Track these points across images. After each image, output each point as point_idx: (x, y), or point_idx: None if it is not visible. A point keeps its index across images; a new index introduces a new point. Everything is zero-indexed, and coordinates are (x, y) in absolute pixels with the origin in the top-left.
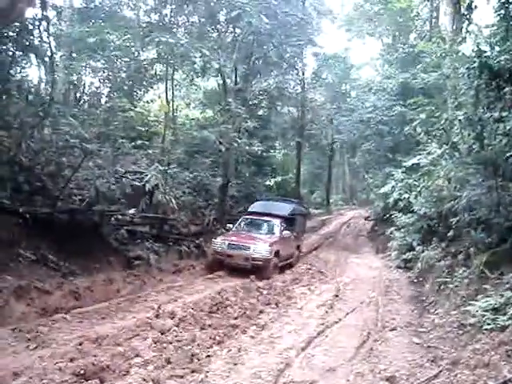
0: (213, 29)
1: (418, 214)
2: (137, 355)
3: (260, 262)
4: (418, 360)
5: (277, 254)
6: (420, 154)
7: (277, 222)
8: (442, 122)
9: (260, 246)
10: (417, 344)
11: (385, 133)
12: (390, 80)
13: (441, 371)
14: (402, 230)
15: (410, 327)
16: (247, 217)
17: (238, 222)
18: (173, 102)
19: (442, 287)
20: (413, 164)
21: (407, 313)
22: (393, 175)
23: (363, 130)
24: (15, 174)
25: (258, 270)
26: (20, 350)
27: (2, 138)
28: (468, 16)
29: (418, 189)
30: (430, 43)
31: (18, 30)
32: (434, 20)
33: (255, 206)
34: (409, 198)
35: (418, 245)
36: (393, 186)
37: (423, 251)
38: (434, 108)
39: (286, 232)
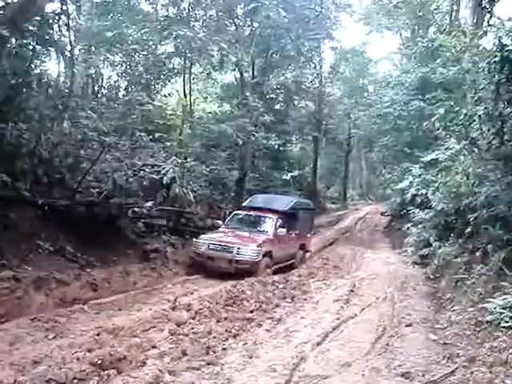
0: (230, 22)
1: (436, 209)
2: (153, 347)
3: (246, 266)
4: (434, 356)
5: (268, 255)
6: (438, 150)
7: (272, 218)
8: (461, 117)
9: (246, 247)
10: (433, 340)
11: (403, 128)
12: (408, 74)
13: (457, 368)
14: (419, 225)
15: (426, 323)
16: (239, 212)
17: (229, 217)
18: (190, 95)
19: (458, 284)
20: (431, 159)
21: (423, 309)
22: (410, 170)
23: (381, 124)
24: (34, 166)
25: (246, 275)
26: (39, 339)
27: (22, 130)
28: (489, 9)
29: (436, 184)
30: (449, 37)
31: (38, 24)
32: (454, 13)
33: (251, 200)
34: (426, 193)
35: (435, 241)
36: (410, 182)
37: (440, 247)
38: (453, 103)
39: (281, 230)
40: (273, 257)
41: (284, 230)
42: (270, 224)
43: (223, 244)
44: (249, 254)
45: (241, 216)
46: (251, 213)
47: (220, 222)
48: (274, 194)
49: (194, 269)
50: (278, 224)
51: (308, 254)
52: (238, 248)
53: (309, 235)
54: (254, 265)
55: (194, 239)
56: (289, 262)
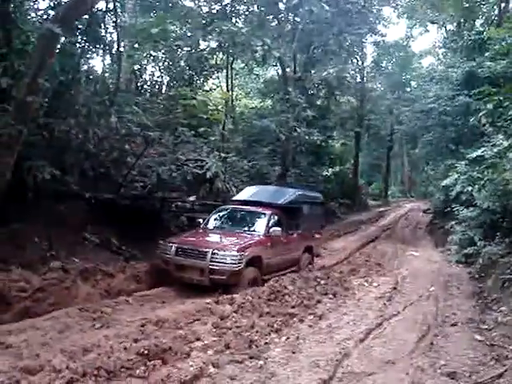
0: (273, 18)
1: (481, 207)
2: (197, 339)
3: (222, 277)
4: (481, 357)
5: (256, 261)
6: (484, 146)
7: (264, 214)
8: (511, 113)
9: (222, 253)
10: (479, 341)
11: (447, 124)
12: (453, 69)
13: (506, 371)
14: (464, 223)
15: (472, 323)
16: (224, 207)
17: (211, 214)
18: (232, 90)
19: (506, 284)
20: (477, 156)
21: (468, 309)
22: (455, 167)
23: (424, 120)
24: (82, 160)
25: (224, 287)
26: (86, 328)
27: (70, 125)
28: None
29: (482, 182)
30: (499, 29)
31: (86, 22)
32: (503, 4)
33: (243, 193)
34: (472, 191)
35: (480, 240)
36: (455, 179)
37: (485, 246)
38: (502, 98)
39: (276, 229)
40: (263, 264)
41: (279, 229)
42: (260, 222)
43: (194, 248)
44: (227, 262)
45: (225, 212)
46: (239, 208)
47: (201, 221)
48: (276, 186)
49: None
50: (272, 221)
51: (315, 258)
52: (213, 254)
53: (318, 235)
54: (232, 275)
55: (161, 241)
56: (289, 270)
